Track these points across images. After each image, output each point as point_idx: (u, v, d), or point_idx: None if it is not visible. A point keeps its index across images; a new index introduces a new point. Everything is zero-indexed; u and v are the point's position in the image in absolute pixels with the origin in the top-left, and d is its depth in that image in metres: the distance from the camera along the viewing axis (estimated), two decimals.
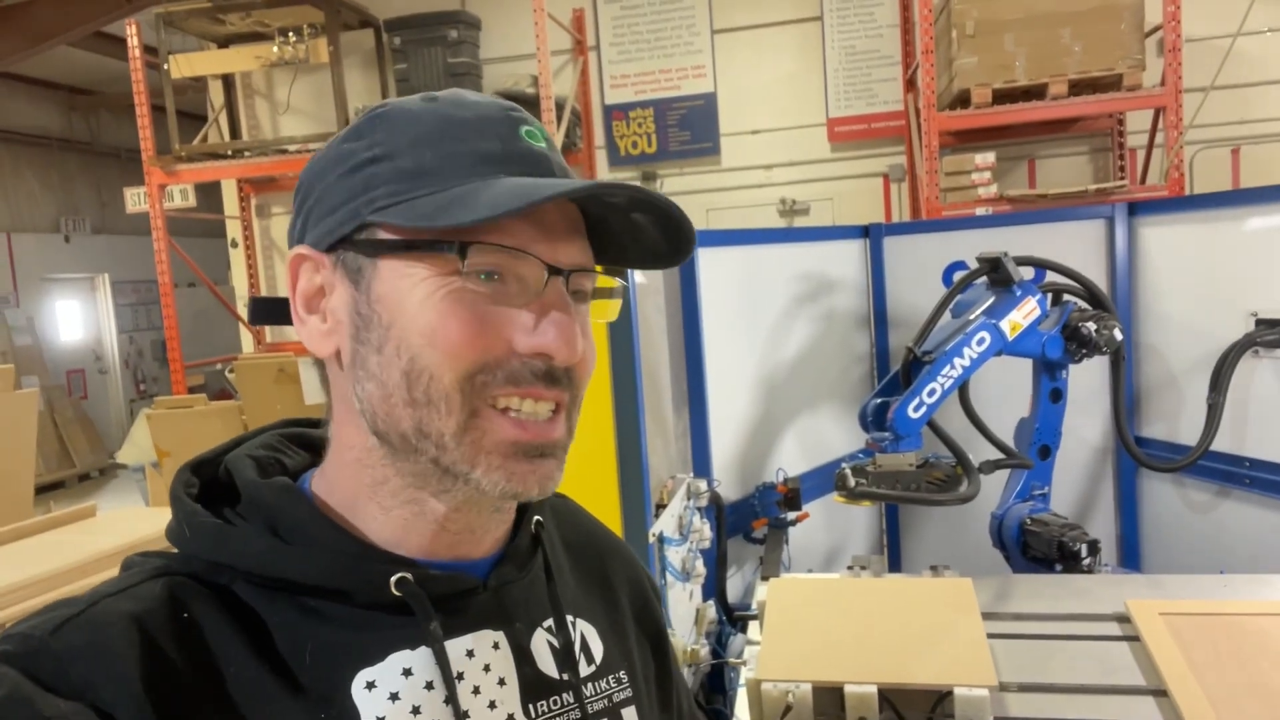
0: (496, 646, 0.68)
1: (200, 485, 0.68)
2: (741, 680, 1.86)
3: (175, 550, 0.64)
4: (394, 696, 0.61)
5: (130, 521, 2.58)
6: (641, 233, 0.69)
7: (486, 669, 0.66)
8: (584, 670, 0.73)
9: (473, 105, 0.66)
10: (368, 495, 0.66)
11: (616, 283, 0.72)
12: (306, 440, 0.75)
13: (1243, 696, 1.57)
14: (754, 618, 2.13)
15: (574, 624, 0.74)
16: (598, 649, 0.75)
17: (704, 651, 2.07)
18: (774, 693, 1.62)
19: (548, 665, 0.70)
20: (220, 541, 0.62)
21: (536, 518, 0.75)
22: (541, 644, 0.71)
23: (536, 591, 0.73)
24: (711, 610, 2.22)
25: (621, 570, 0.85)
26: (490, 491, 0.63)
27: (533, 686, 0.68)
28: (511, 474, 0.63)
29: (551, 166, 0.66)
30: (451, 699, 0.63)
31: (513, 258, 0.62)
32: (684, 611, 2.08)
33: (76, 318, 10.87)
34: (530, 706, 0.68)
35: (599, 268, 0.69)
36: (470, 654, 0.66)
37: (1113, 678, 1.72)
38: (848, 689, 1.59)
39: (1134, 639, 1.83)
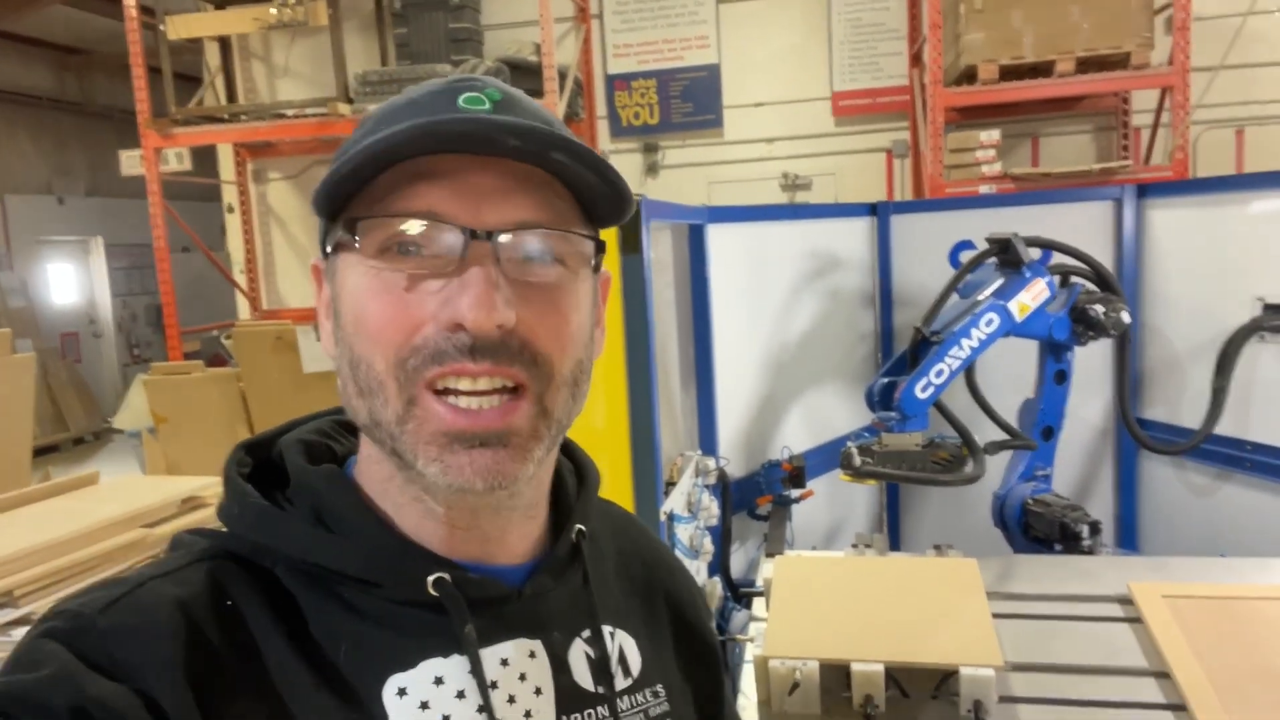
0: (533, 655, 0.66)
1: (254, 465, 0.68)
2: (747, 656, 1.88)
3: (224, 529, 0.64)
4: (424, 705, 0.60)
5: (133, 490, 2.57)
6: (595, 187, 0.64)
7: (522, 678, 0.65)
8: (621, 683, 0.71)
9: (426, 86, 0.65)
10: (383, 490, 0.65)
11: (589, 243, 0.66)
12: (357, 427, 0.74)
13: (1245, 679, 1.59)
14: (758, 594, 2.15)
15: (613, 635, 0.72)
16: (636, 662, 0.73)
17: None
18: (781, 670, 1.63)
19: (584, 677, 0.68)
20: (267, 524, 0.62)
21: (579, 527, 0.73)
22: (579, 655, 0.69)
23: (575, 601, 0.71)
24: (717, 587, 2.24)
25: (667, 583, 0.82)
26: (436, 484, 0.60)
27: (569, 697, 0.67)
28: (447, 466, 0.59)
29: (483, 124, 0.59)
30: (486, 707, 0.61)
31: (422, 226, 0.59)
32: None
33: (70, 281, 10.80)
34: (565, 718, 0.66)
35: (547, 228, 0.62)
36: (505, 662, 0.64)
37: (1115, 659, 1.74)
38: (854, 667, 1.60)
39: (1136, 621, 1.85)
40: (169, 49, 6.22)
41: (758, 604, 2.10)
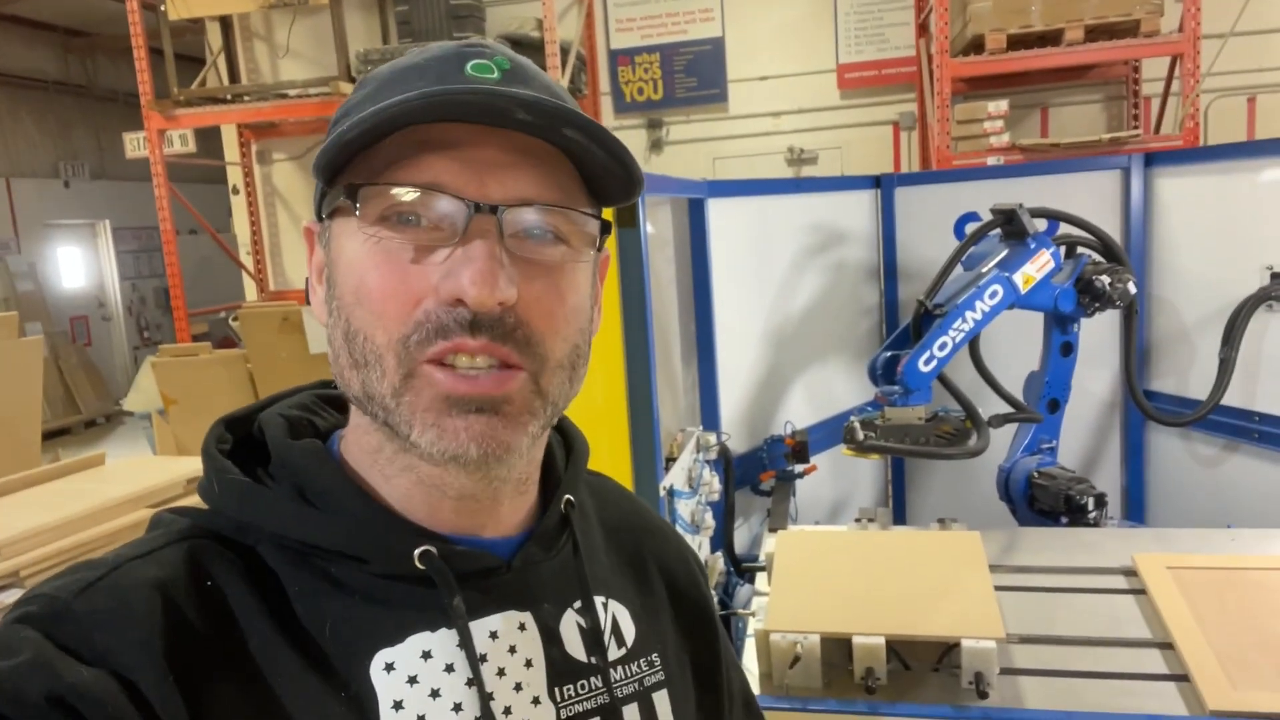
0: (523, 628, 0.65)
1: (234, 442, 0.67)
2: (749, 631, 1.88)
3: (205, 507, 0.63)
4: (413, 680, 0.60)
5: (140, 470, 2.59)
6: (604, 165, 0.62)
7: (512, 650, 0.64)
8: (614, 653, 0.70)
9: (433, 49, 0.63)
10: (370, 462, 0.64)
11: (594, 222, 0.64)
12: (341, 401, 0.72)
13: (1249, 650, 1.58)
14: (761, 569, 2.15)
15: (605, 605, 0.71)
16: (630, 631, 0.72)
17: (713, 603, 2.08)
18: (782, 643, 1.63)
19: (576, 648, 0.68)
20: (249, 501, 0.61)
21: (567, 497, 0.72)
22: (570, 626, 0.68)
23: (565, 572, 0.70)
24: (720, 562, 2.24)
25: (659, 551, 0.81)
26: (429, 452, 0.59)
27: (560, 669, 0.66)
28: (443, 430, 0.58)
29: (495, 96, 0.57)
30: (476, 680, 0.61)
31: (426, 196, 0.58)
32: None
33: (78, 264, 10.83)
34: (557, 690, 0.66)
35: (557, 204, 0.60)
36: (494, 635, 0.64)
37: (1119, 631, 1.73)
38: (856, 640, 1.60)
39: (1140, 592, 1.84)
40: (170, 30, 6.20)
41: (760, 579, 2.10)
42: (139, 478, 2.45)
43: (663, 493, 1.79)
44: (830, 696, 1.61)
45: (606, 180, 0.64)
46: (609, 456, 1.70)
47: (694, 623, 0.81)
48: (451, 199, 0.58)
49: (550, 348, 0.61)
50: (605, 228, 0.65)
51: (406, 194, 0.58)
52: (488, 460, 0.59)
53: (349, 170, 0.61)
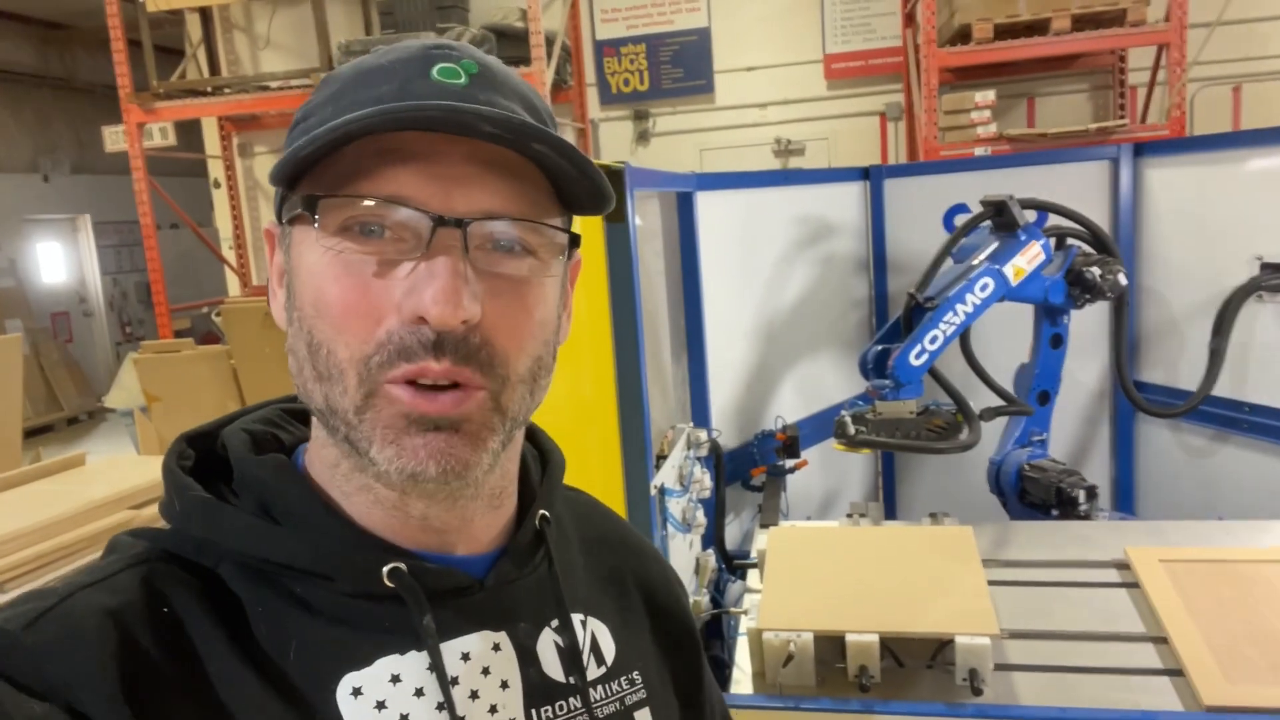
0: (498, 648, 0.63)
1: (197, 458, 0.64)
2: (741, 628, 1.86)
3: (167, 526, 0.61)
4: (380, 705, 0.57)
5: (120, 470, 2.55)
6: (573, 176, 0.60)
7: (485, 672, 0.62)
8: (594, 672, 0.68)
9: (398, 50, 0.60)
10: (328, 478, 0.62)
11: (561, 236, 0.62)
12: (307, 415, 0.69)
13: (1243, 644, 1.58)
14: (752, 565, 2.13)
15: (584, 623, 0.69)
16: (610, 649, 0.70)
17: (705, 601, 2.07)
18: (775, 642, 1.62)
19: (554, 668, 0.66)
20: (210, 519, 0.59)
21: (542, 512, 0.70)
22: (548, 645, 0.66)
23: (541, 589, 0.68)
24: (712, 559, 2.22)
25: (638, 568, 0.79)
26: (387, 470, 0.56)
27: (538, 690, 0.64)
28: (402, 449, 0.56)
29: (458, 111, 0.55)
30: (447, 704, 0.59)
31: (389, 209, 0.55)
32: (684, 561, 2.08)
33: (59, 259, 10.70)
34: (534, 712, 0.63)
35: (524, 217, 0.58)
36: (466, 656, 0.61)
37: (1113, 625, 1.73)
38: (849, 638, 1.59)
39: (1134, 586, 1.84)
40: (149, 22, 6.11)
41: (752, 575, 2.08)
42: (120, 478, 2.41)
43: (654, 491, 1.77)
44: (824, 695, 1.60)
45: (577, 189, 0.62)
46: (599, 455, 1.67)
47: (676, 642, 0.79)
48: (415, 212, 0.56)
49: (513, 365, 0.59)
50: (575, 240, 0.63)
51: (367, 205, 0.56)
52: (446, 478, 0.57)
53: (309, 177, 0.59)
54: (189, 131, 7.09)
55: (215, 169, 7.13)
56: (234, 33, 6.96)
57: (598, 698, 0.67)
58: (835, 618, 1.65)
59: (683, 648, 0.80)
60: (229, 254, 7.16)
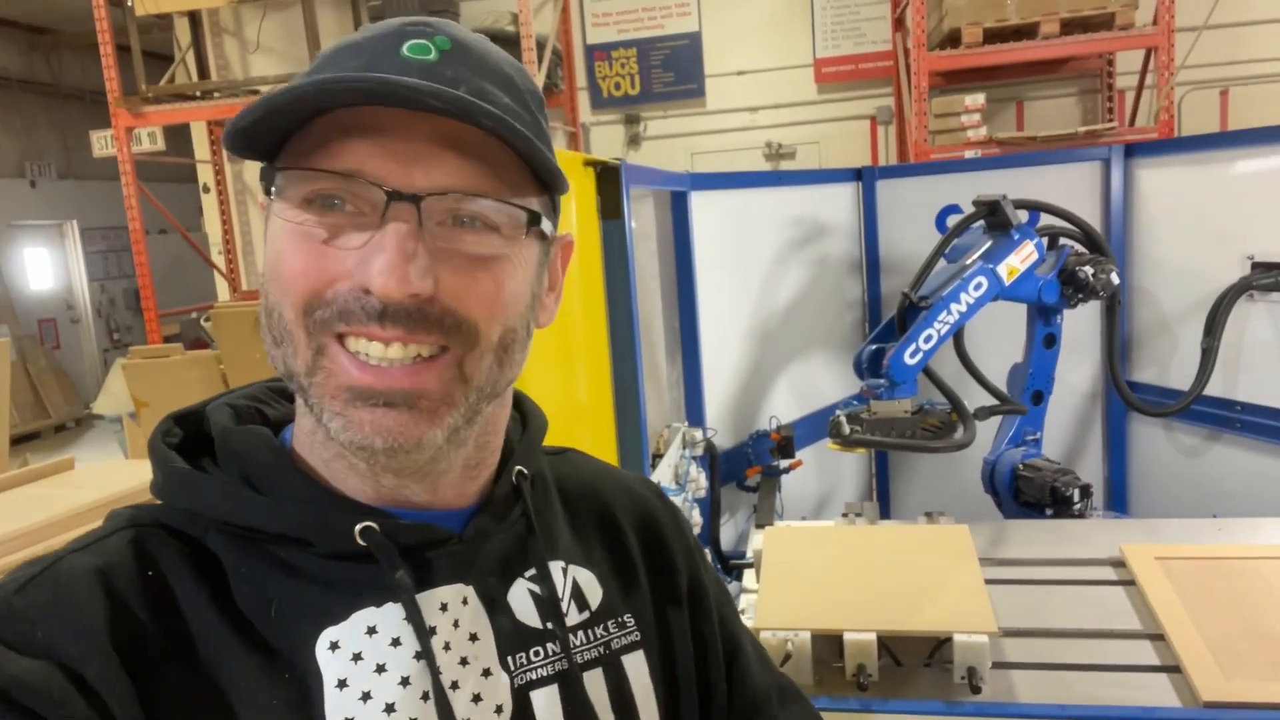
0: (466, 601, 0.64)
1: (184, 436, 0.66)
2: None
3: (158, 503, 0.63)
4: (357, 657, 0.59)
5: (110, 474, 2.52)
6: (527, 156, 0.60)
7: (456, 624, 0.63)
8: (576, 618, 0.69)
9: (378, 26, 0.62)
10: (308, 446, 0.64)
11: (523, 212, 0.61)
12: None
13: (1239, 640, 1.58)
14: (748, 565, 2.13)
15: (565, 570, 0.71)
16: (595, 595, 0.72)
17: None
18: (773, 641, 1.61)
19: (529, 615, 0.67)
20: (192, 489, 0.61)
21: (518, 468, 0.71)
22: (522, 594, 0.67)
23: (519, 541, 0.69)
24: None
25: (629, 509, 0.80)
26: (339, 439, 0.58)
27: (510, 638, 0.65)
28: (349, 422, 0.57)
29: (428, 76, 0.56)
30: (425, 652, 0.60)
31: (346, 182, 0.57)
32: None
33: (46, 266, 10.62)
34: (510, 659, 0.65)
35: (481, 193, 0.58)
36: (444, 608, 0.63)
37: (1109, 622, 1.72)
38: (847, 637, 1.58)
39: (1129, 584, 1.84)
40: (138, 26, 6.08)
41: (748, 576, 2.07)
42: (109, 482, 2.39)
43: None
44: (822, 694, 1.59)
45: (542, 170, 0.62)
46: (595, 453, 1.66)
47: (671, 569, 0.79)
48: (371, 187, 0.56)
49: (483, 331, 0.59)
50: (535, 218, 0.62)
51: (326, 179, 0.57)
52: (394, 453, 0.58)
53: (283, 153, 0.60)
54: (178, 136, 7.06)
55: (204, 174, 7.09)
56: (223, 37, 6.93)
57: (579, 643, 0.69)
58: (833, 617, 1.64)
59: (676, 571, 0.79)
60: (218, 259, 7.13)
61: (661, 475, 1.94)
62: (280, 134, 0.59)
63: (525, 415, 0.77)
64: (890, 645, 1.62)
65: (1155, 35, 4.85)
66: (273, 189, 0.60)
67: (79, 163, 10.65)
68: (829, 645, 1.62)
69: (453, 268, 0.58)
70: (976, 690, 1.51)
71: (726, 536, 2.58)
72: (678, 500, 1.98)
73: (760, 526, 2.26)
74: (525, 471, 0.72)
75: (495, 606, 0.65)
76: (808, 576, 1.81)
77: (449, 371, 0.59)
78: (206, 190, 7.10)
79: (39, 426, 9.13)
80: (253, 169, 7.04)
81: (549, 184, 0.64)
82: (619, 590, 0.73)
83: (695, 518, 2.07)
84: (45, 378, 9.47)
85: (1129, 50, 5.39)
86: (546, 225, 0.63)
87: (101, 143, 6.40)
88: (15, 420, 8.11)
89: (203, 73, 6.84)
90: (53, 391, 9.48)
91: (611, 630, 0.71)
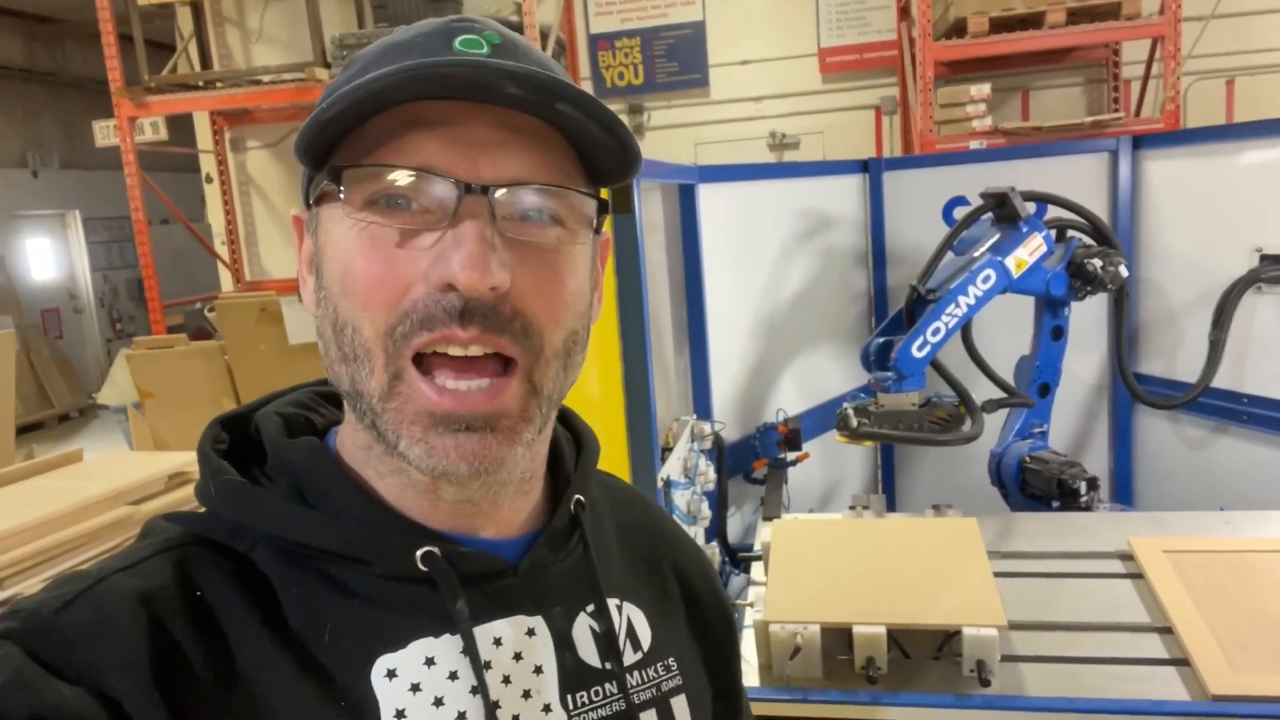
0: (532, 633, 0.63)
1: (231, 441, 0.64)
2: (747, 621, 1.86)
3: (201, 510, 0.61)
4: (415, 687, 0.57)
5: (119, 465, 2.52)
6: (599, 140, 0.60)
7: (518, 657, 0.61)
8: (631, 658, 0.67)
9: (421, 25, 0.60)
10: (364, 459, 0.62)
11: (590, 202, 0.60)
12: (339, 397, 0.69)
13: (1248, 633, 1.58)
14: (756, 558, 2.13)
15: (620, 608, 0.69)
16: (645, 635, 0.70)
17: None
18: (782, 634, 1.61)
19: (589, 653, 0.65)
20: (244, 502, 0.59)
21: (578, 497, 0.69)
22: (584, 630, 0.65)
23: (577, 574, 0.67)
24: (715, 552, 2.22)
25: (673, 555, 0.79)
26: (420, 466, 0.57)
27: (573, 675, 0.63)
28: (432, 448, 0.56)
29: (481, 69, 0.54)
30: (480, 688, 0.58)
31: (415, 179, 0.55)
32: None
33: (48, 256, 10.63)
34: (570, 697, 0.63)
35: (552, 184, 0.58)
36: (498, 642, 0.61)
37: (1117, 615, 1.73)
38: (856, 630, 1.59)
39: (1137, 576, 1.84)
40: (140, 15, 6.06)
41: (756, 568, 2.08)
42: (118, 474, 2.39)
43: (660, 484, 1.77)
44: (831, 687, 1.60)
45: (602, 156, 0.61)
46: (606, 448, 1.66)
47: (712, 631, 0.78)
48: (441, 180, 0.55)
49: (548, 337, 0.58)
50: (603, 208, 0.62)
51: (393, 176, 0.55)
52: (479, 475, 0.57)
53: (336, 154, 0.58)
54: (180, 126, 7.04)
55: (207, 163, 7.08)
56: (226, 26, 6.90)
57: (634, 684, 0.67)
58: (842, 610, 1.65)
59: (718, 637, 0.79)
60: (221, 249, 7.12)
61: (671, 469, 1.94)
62: (328, 139, 0.58)
63: (578, 436, 0.75)
64: (899, 638, 1.63)
65: (1162, 25, 4.83)
66: (320, 195, 0.59)
67: (81, 152, 10.64)
68: (838, 638, 1.62)
69: (521, 262, 0.57)
70: (986, 683, 1.52)
71: (733, 529, 2.58)
72: (687, 494, 1.98)
73: (768, 519, 2.26)
74: (584, 500, 0.70)
75: (563, 641, 0.64)
76: (816, 569, 1.81)
77: (522, 387, 0.58)
78: (209, 180, 7.09)
79: (43, 416, 9.15)
80: (255, 160, 7.03)
81: (623, 171, 0.63)
82: (664, 632, 0.72)
83: (705, 510, 2.07)
84: (49, 368, 9.48)
85: (1135, 40, 5.37)
86: (600, 219, 0.63)
87: (104, 132, 6.38)
88: (19, 411, 8.12)
89: (205, 62, 6.81)
90: (56, 381, 9.49)
91: (660, 672, 0.69)
